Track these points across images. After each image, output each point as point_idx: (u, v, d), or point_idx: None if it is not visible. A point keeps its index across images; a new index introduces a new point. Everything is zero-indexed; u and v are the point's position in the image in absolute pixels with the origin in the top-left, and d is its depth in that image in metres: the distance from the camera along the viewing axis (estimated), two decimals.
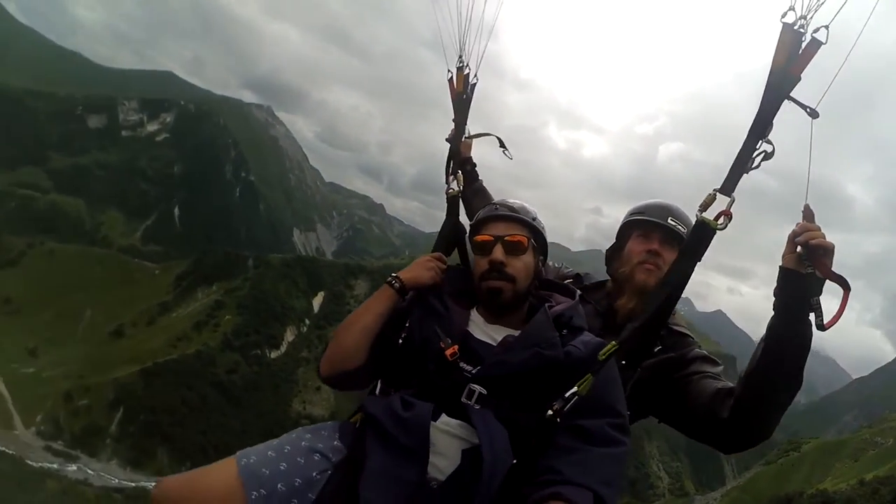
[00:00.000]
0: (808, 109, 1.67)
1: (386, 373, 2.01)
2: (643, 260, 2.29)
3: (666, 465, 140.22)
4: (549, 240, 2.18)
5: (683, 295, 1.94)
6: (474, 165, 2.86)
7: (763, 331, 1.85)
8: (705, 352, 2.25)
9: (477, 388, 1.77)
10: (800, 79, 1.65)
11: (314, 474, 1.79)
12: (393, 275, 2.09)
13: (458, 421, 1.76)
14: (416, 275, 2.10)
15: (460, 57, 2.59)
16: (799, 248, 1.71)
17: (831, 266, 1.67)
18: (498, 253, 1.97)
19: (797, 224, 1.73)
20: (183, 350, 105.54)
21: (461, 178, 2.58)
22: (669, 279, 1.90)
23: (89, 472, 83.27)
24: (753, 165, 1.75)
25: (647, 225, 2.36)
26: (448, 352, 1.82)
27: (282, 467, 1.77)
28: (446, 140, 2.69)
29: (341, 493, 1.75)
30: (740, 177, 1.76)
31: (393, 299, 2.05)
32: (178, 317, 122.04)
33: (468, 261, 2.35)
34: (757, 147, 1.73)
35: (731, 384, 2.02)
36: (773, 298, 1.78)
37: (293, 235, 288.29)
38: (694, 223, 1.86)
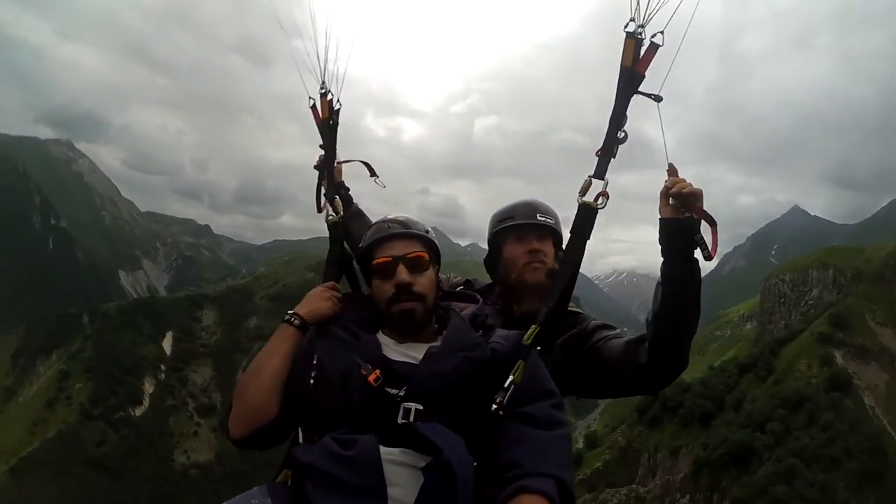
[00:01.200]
0: (653, 97, 1.95)
1: (304, 419, 1.82)
2: (528, 261, 2.41)
3: None
4: None
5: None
6: (347, 189, 2.80)
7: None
8: (601, 321, 2.40)
9: (412, 405, 1.71)
10: (644, 76, 1.93)
11: None
12: (290, 312, 2.00)
13: (399, 448, 1.67)
14: (313, 307, 2.02)
15: (323, 83, 2.53)
16: (671, 200, 1.96)
17: (703, 207, 1.92)
18: (403, 274, 1.91)
19: (666, 180, 1.98)
20: (43, 435, 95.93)
21: (339, 204, 2.53)
22: (567, 259, 2.05)
23: None
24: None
25: (518, 228, 2.46)
26: (371, 377, 1.73)
27: None
28: (315, 167, 2.66)
29: None
30: (608, 163, 2.00)
31: (296, 338, 1.95)
32: (24, 400, 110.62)
33: (359, 285, 2.32)
34: (619, 137, 1.98)
35: (635, 335, 2.21)
36: (660, 246, 2.00)
37: (119, 278, 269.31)
38: (578, 207, 2.04)
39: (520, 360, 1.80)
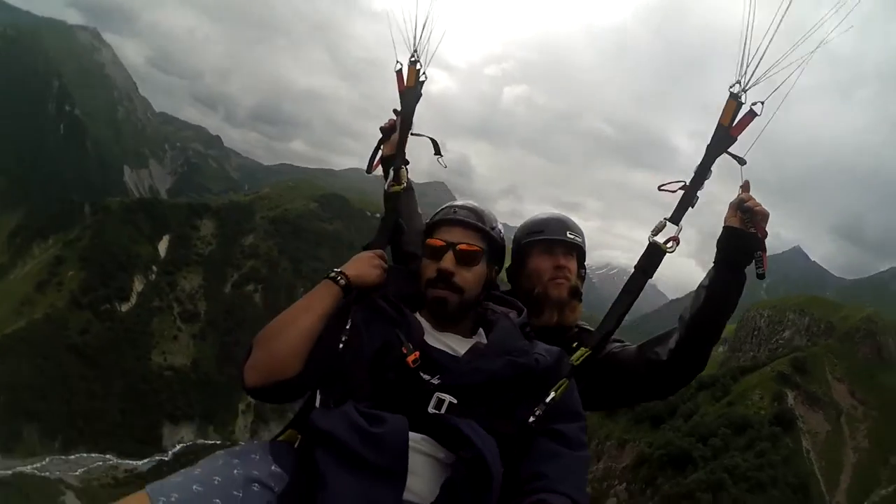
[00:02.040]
0: (738, 159, 1.98)
1: (325, 382, 1.74)
2: (553, 276, 2.41)
3: None
4: None
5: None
6: (408, 163, 2.61)
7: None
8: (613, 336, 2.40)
9: (447, 397, 1.64)
10: (736, 140, 1.95)
11: None
12: (336, 270, 1.87)
13: (421, 435, 1.60)
14: (362, 272, 1.90)
15: (415, 51, 2.44)
16: (740, 213, 1.99)
17: (766, 227, 1.98)
18: (448, 262, 1.87)
19: (739, 194, 2.02)
20: (30, 316, 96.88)
21: (405, 175, 2.48)
22: (629, 289, 2.02)
23: None
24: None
25: (547, 242, 2.47)
26: (409, 358, 1.67)
27: None
28: (380, 129, 2.57)
29: None
30: (686, 211, 2.00)
31: (337, 298, 1.81)
32: (16, 279, 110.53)
33: (402, 259, 2.33)
34: (701, 188, 1.98)
35: (647, 339, 2.25)
36: (717, 251, 2.05)
37: (124, 175, 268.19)
38: (647, 245, 2.02)
39: (564, 379, 1.78)
